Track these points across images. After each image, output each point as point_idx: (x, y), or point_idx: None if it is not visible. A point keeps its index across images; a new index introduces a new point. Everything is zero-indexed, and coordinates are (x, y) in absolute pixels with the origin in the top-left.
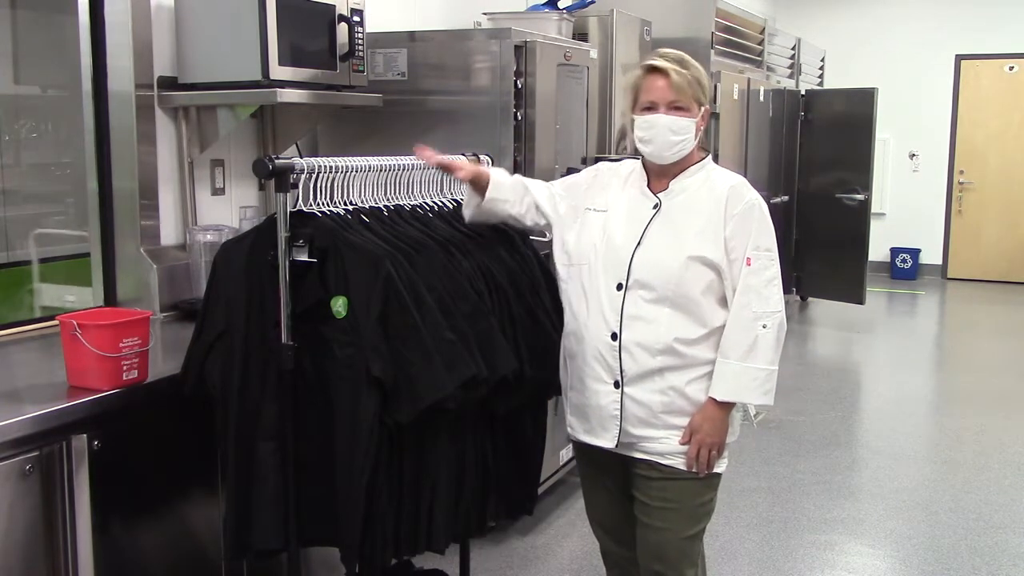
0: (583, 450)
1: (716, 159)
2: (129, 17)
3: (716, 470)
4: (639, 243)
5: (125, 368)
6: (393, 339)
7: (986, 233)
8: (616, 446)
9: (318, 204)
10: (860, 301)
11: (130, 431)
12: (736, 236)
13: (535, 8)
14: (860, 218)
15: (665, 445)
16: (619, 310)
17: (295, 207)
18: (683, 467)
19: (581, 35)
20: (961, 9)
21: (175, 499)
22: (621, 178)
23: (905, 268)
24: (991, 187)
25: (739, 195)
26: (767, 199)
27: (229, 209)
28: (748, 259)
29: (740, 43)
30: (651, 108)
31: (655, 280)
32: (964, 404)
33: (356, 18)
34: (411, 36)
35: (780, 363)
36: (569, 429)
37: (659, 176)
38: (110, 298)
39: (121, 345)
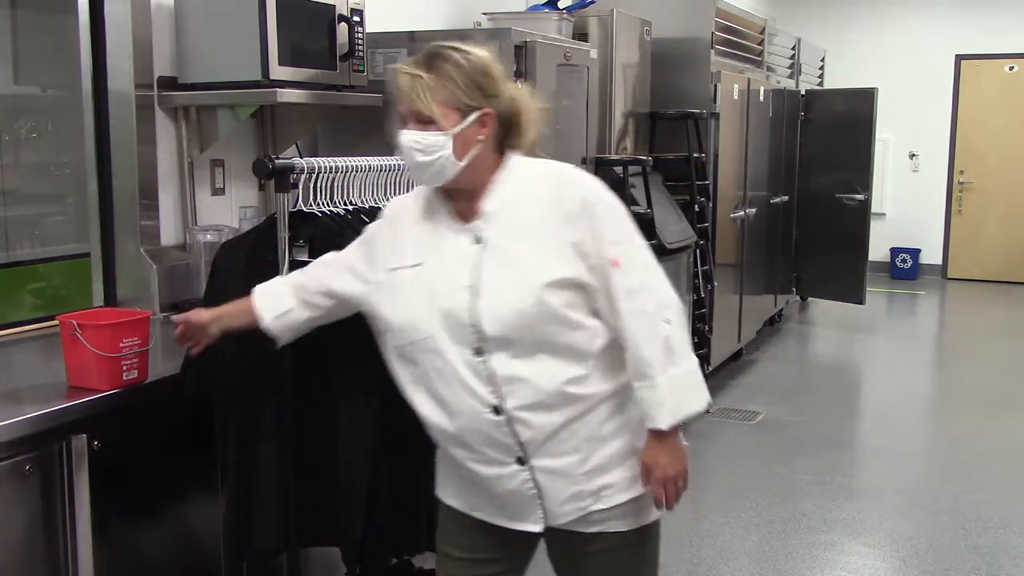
0: (481, 524)
1: (716, 159)
2: (129, 17)
3: (647, 520)
4: (477, 293)
5: (125, 368)
6: None
7: (986, 233)
8: (545, 530)
9: (318, 204)
10: (860, 301)
11: (130, 431)
12: (585, 238)
13: (535, 8)
14: (860, 218)
15: (601, 509)
16: (489, 379)
17: (295, 207)
18: (626, 528)
19: (581, 35)
20: (961, 9)
21: (175, 499)
22: (413, 216)
23: (905, 268)
24: (991, 187)
25: (570, 189)
26: (767, 199)
27: (229, 209)
28: (615, 260)
29: (740, 43)
30: (402, 122)
31: (513, 331)
32: (964, 404)
33: (356, 18)
34: (411, 36)
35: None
36: (470, 510)
37: (465, 199)
38: (110, 298)
39: (121, 345)
